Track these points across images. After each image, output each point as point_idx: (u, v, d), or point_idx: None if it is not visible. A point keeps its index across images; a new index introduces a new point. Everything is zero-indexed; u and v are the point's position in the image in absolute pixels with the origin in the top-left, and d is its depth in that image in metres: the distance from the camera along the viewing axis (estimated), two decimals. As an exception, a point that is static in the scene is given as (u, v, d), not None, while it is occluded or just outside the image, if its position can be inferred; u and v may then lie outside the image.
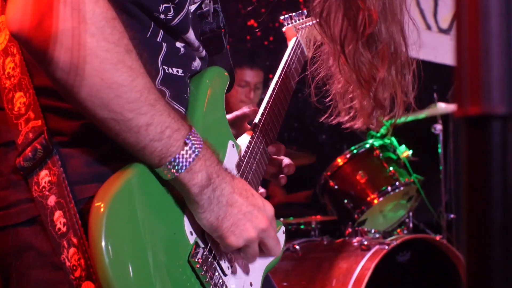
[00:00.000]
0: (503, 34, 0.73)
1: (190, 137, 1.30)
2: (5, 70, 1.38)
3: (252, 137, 1.69)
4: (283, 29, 2.14)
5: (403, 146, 4.37)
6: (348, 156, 4.34)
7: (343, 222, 4.32)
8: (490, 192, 0.75)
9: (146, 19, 1.39)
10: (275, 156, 1.80)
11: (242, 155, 1.63)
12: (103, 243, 1.18)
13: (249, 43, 5.81)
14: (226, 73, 1.64)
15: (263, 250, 1.43)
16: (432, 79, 6.42)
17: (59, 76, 1.19)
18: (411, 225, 4.44)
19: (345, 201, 4.27)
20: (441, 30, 6.54)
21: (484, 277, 0.76)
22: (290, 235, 4.42)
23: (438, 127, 4.66)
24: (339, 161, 4.35)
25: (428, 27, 6.50)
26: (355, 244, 3.87)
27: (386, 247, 3.65)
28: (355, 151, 4.35)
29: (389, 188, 4.24)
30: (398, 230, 4.38)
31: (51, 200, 1.29)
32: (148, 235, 1.27)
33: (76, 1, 1.17)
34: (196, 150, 1.30)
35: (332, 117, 1.82)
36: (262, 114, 1.77)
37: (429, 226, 4.86)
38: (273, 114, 1.80)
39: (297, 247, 4.01)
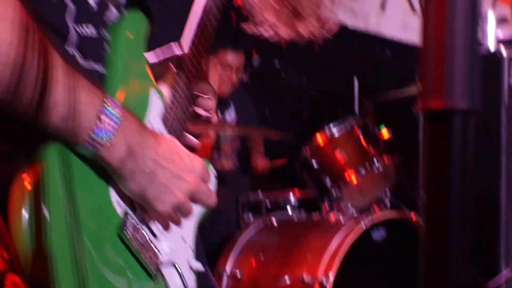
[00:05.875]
0: (468, 33, 0.78)
1: (106, 109, 1.24)
2: None
3: (175, 79, 1.63)
4: None
5: (383, 126, 4.41)
6: (328, 134, 4.38)
7: (321, 198, 4.37)
8: (449, 185, 0.80)
9: None
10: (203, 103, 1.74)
11: (166, 101, 1.57)
12: (24, 227, 1.16)
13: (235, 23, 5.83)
14: (144, 17, 1.55)
15: (197, 204, 1.43)
16: (415, 61, 6.46)
17: None
18: (387, 202, 4.50)
19: (324, 178, 4.32)
20: (427, 12, 6.58)
21: (441, 265, 0.81)
22: (269, 210, 4.47)
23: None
24: (319, 138, 4.39)
25: (413, 10, 6.53)
26: (332, 220, 3.93)
27: (362, 225, 3.71)
28: (335, 130, 4.39)
29: (368, 167, 4.29)
30: (375, 206, 4.43)
31: None
32: (75, 215, 1.23)
33: None
34: (113, 122, 1.25)
35: (252, 25, 1.74)
36: (183, 52, 1.70)
37: (405, 203, 4.93)
38: (195, 49, 1.70)
39: (274, 221, 4.06)
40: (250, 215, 4.42)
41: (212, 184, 1.57)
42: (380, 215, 3.91)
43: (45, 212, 1.18)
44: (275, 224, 4.05)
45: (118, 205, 1.35)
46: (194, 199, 1.40)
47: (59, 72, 1.19)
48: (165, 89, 1.61)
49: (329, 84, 6.18)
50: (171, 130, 1.55)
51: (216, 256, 4.05)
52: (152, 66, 1.68)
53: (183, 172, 1.36)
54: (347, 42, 6.40)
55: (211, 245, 4.29)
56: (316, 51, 5.71)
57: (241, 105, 5.20)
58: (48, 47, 1.18)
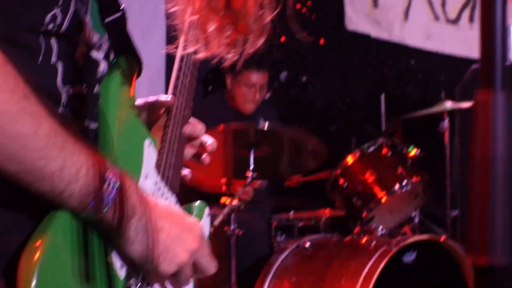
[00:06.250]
0: (506, 205, 0.90)
1: (106, 172, 1.26)
2: None
3: (166, 126, 1.64)
4: None
5: (412, 146, 4.51)
6: (357, 154, 4.48)
7: (352, 218, 4.48)
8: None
9: (34, 41, 1.32)
10: (193, 135, 1.73)
11: (159, 149, 1.58)
12: None
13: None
14: (132, 63, 1.54)
15: (197, 271, 1.42)
16: (439, 70, 6.56)
17: None
18: (417, 220, 4.62)
19: (354, 199, 4.42)
20: (449, 21, 6.64)
21: None
22: (300, 231, 4.60)
23: (445, 124, 4.80)
24: (349, 159, 4.49)
25: (436, 18, 6.60)
26: (364, 243, 4.04)
27: (393, 249, 3.82)
28: (364, 150, 4.49)
29: (397, 186, 4.39)
30: (405, 226, 4.54)
31: None
32: (80, 283, 1.26)
33: None
34: (116, 184, 1.26)
35: (175, 48, 1.70)
36: (174, 94, 1.69)
37: (435, 221, 5.04)
38: (184, 92, 1.72)
39: (307, 244, 4.18)
40: (283, 237, 4.54)
41: (205, 221, 1.64)
42: (410, 237, 4.02)
43: (53, 280, 1.21)
44: (309, 247, 4.16)
45: (121, 270, 1.36)
46: (195, 262, 1.41)
47: (60, 138, 1.21)
48: (157, 136, 1.61)
49: (356, 97, 6.28)
50: (166, 178, 1.57)
51: (251, 279, 4.17)
52: (142, 110, 1.71)
53: (186, 231, 1.37)
54: (371, 52, 6.50)
55: (245, 268, 4.40)
56: (341, 63, 5.79)
57: (268, 120, 5.30)
58: (47, 114, 1.20)
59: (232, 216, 4.02)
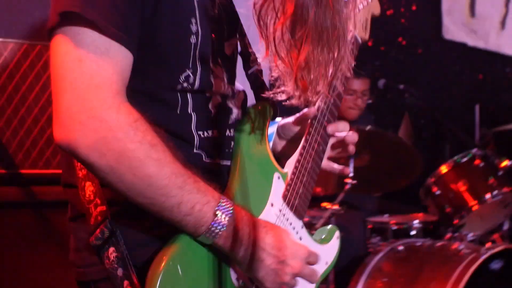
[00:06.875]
0: None
1: (220, 207, 1.51)
2: (78, 163, 1.62)
3: (300, 154, 1.83)
4: None
5: (504, 157, 4.69)
6: (452, 164, 4.72)
7: (444, 224, 4.71)
8: None
9: (173, 96, 1.59)
10: (337, 134, 1.96)
11: (290, 178, 1.80)
12: None
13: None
14: (267, 107, 1.78)
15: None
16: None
17: (101, 176, 1.45)
18: (506, 228, 4.81)
19: (446, 206, 4.66)
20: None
21: None
22: (394, 234, 4.85)
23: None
24: (443, 168, 4.73)
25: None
26: (454, 249, 4.26)
27: (482, 256, 4.04)
28: (458, 160, 4.72)
29: (489, 196, 4.60)
30: (495, 233, 4.74)
31: (120, 272, 1.54)
32: None
33: (100, 114, 1.40)
34: (226, 218, 1.51)
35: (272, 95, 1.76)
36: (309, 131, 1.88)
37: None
38: (329, 113, 1.91)
39: (401, 247, 4.42)
40: (378, 239, 4.79)
41: (333, 244, 1.89)
42: (499, 246, 4.21)
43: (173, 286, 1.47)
44: (402, 250, 4.40)
45: (237, 281, 1.61)
46: (299, 276, 1.64)
47: (180, 179, 1.47)
48: (290, 167, 1.81)
49: (451, 105, 6.43)
50: (293, 205, 1.79)
51: (345, 278, 4.41)
52: (292, 125, 1.98)
53: (289, 259, 1.59)
54: (467, 61, 6.64)
55: (340, 267, 4.64)
56: (438, 71, 5.93)
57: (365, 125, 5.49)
58: (171, 159, 1.47)
59: (332, 219, 4.30)
